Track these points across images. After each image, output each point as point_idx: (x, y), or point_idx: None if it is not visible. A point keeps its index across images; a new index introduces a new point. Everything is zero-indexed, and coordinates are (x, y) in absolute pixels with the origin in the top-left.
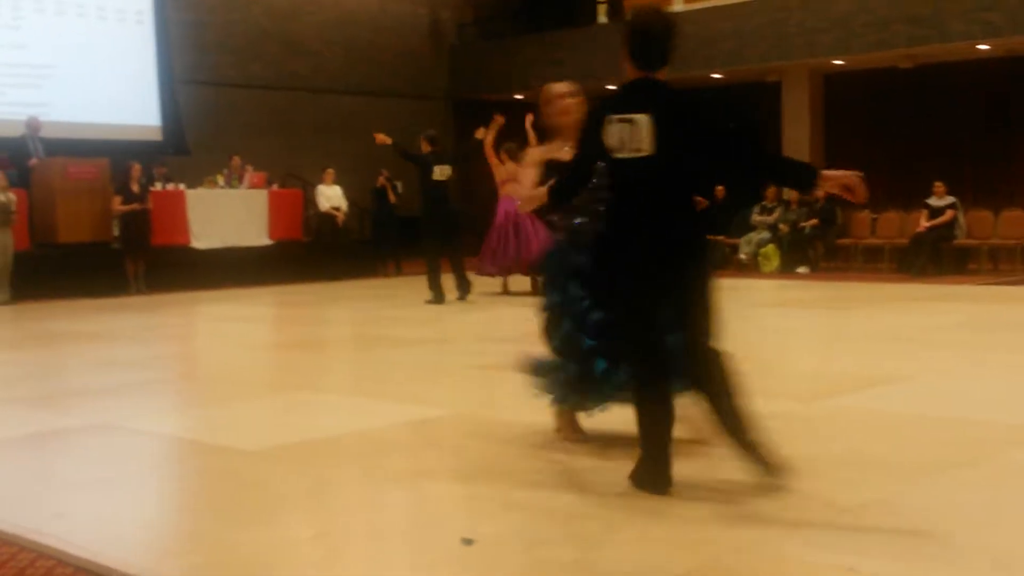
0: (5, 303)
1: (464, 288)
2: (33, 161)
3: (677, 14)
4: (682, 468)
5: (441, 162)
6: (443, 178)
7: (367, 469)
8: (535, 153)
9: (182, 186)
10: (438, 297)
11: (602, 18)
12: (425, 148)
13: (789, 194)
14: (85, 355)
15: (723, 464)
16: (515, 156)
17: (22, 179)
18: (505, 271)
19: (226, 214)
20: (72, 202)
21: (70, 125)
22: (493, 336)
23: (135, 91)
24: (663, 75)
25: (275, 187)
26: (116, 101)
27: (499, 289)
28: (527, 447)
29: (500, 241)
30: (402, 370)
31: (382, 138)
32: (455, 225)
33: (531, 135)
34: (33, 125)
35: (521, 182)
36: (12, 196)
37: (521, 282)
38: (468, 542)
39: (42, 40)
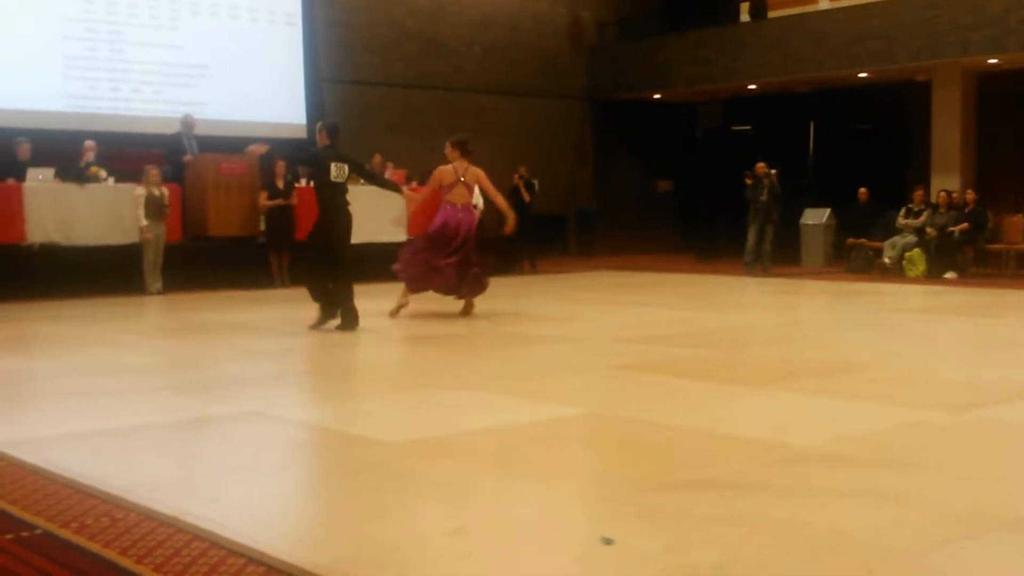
0: (158, 293)
1: (349, 320)
2: (187, 157)
3: (822, 12)
4: (824, 476)
5: (339, 159)
6: (342, 179)
7: (504, 466)
8: None
9: None
10: (327, 315)
11: (744, 17)
12: (322, 141)
13: (937, 197)
14: (232, 345)
15: (866, 473)
16: (467, 152)
17: (176, 174)
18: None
19: (366, 211)
20: (222, 197)
21: (222, 123)
22: (628, 336)
23: (283, 90)
24: None
25: (414, 184)
26: (265, 100)
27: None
28: (665, 448)
29: (462, 250)
30: (538, 367)
31: (256, 148)
32: (349, 236)
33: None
34: (188, 123)
35: (481, 187)
36: (166, 191)
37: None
38: (608, 542)
39: (197, 41)
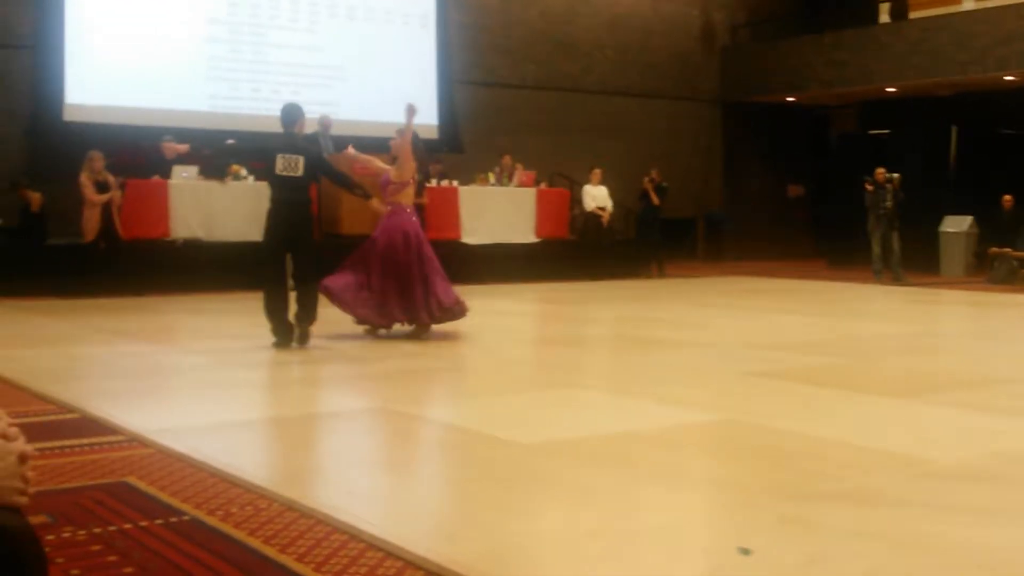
0: (293, 289)
1: (304, 325)
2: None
3: (968, 13)
4: (971, 492)
5: (293, 151)
6: (292, 173)
7: (638, 470)
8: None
9: (455, 183)
10: (280, 333)
11: (884, 17)
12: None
13: None
14: (360, 341)
15: (1016, 491)
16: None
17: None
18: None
19: (496, 211)
20: (356, 196)
21: (356, 123)
22: (760, 342)
23: (415, 91)
24: None
25: (543, 186)
26: (398, 100)
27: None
28: (802, 458)
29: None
30: (668, 372)
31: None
32: (301, 237)
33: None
34: (325, 123)
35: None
36: None
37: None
38: (745, 552)
39: (334, 43)
